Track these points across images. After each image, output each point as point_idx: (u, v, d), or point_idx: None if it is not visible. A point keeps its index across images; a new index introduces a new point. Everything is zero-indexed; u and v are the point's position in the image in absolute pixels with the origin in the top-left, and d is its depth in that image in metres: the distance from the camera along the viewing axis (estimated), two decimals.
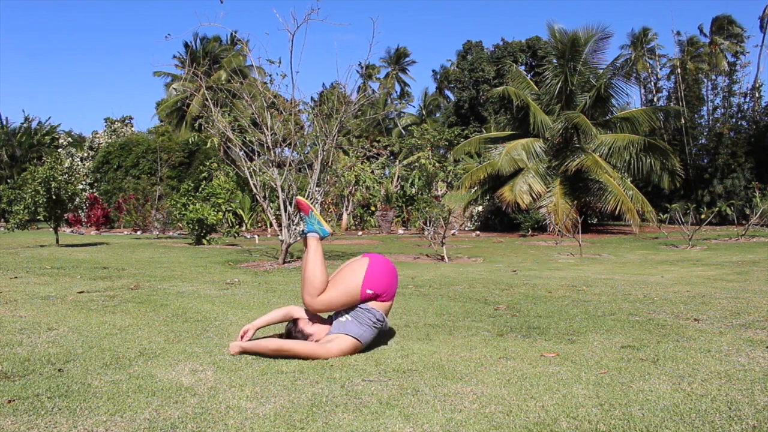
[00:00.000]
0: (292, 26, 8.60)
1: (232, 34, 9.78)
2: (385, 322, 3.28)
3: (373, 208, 23.29)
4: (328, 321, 3.34)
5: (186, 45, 35.18)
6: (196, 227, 12.75)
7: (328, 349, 3.05)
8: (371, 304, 3.21)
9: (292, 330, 3.24)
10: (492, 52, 30.95)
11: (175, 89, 35.23)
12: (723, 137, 22.03)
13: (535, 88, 20.85)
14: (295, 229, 8.78)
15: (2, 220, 25.55)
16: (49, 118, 44.05)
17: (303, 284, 3.27)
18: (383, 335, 3.56)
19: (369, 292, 3.18)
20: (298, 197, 3.53)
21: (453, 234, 17.39)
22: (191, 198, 13.47)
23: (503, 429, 2.08)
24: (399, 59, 48.84)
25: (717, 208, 15.12)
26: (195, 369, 2.83)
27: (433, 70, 46.42)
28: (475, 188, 20.61)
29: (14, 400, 2.35)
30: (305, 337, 3.20)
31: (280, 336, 3.30)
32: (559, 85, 19.12)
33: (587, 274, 7.08)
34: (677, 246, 12.03)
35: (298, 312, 3.34)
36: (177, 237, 16.23)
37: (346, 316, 3.21)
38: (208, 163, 20.71)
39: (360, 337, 3.13)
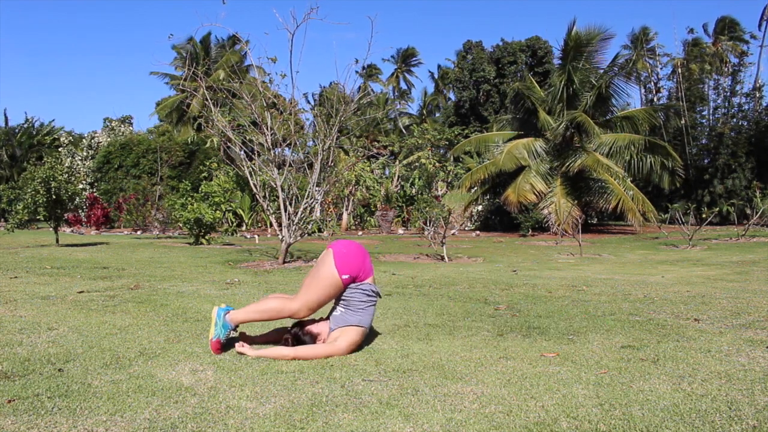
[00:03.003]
0: (292, 26, 8.60)
1: (233, 35, 9.78)
2: (377, 290, 3.31)
3: (373, 208, 23.30)
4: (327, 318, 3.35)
5: (176, 47, 34.83)
6: (195, 227, 12.75)
7: (339, 347, 3.09)
8: (356, 284, 3.24)
9: (299, 334, 3.23)
10: (492, 52, 30.94)
11: (175, 89, 35.21)
12: (723, 137, 22.04)
13: (538, 88, 20.87)
14: (296, 229, 8.78)
15: (2, 220, 25.56)
16: (53, 120, 44.02)
17: (280, 317, 3.34)
18: (384, 336, 3.56)
19: (346, 277, 3.19)
20: (215, 350, 3.17)
21: (453, 234, 17.39)
22: (189, 198, 13.46)
23: (503, 429, 2.08)
24: (406, 59, 49.05)
25: (717, 208, 15.13)
26: (195, 369, 2.83)
27: (429, 71, 46.67)
28: (476, 188, 20.62)
29: (14, 400, 2.35)
30: (314, 338, 3.21)
31: (289, 338, 3.27)
32: (562, 85, 19.13)
33: (587, 274, 7.08)
34: (677, 246, 12.03)
35: (288, 307, 3.28)
36: (177, 237, 16.22)
37: (338, 308, 3.25)
38: (208, 163, 20.71)
39: (360, 323, 3.18)
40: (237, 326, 3.28)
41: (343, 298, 3.24)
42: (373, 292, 3.26)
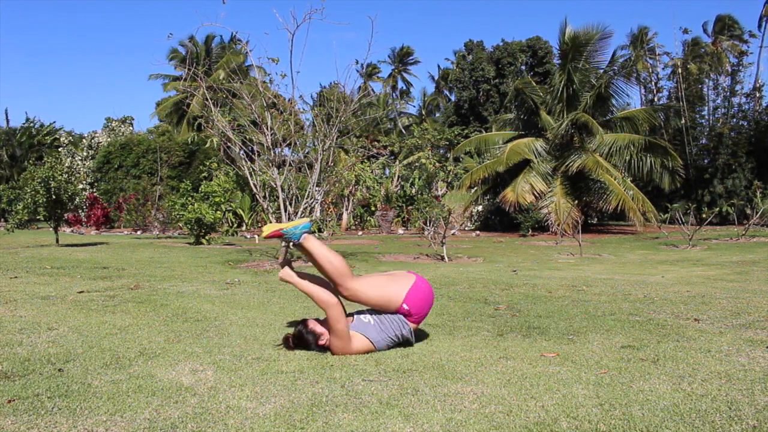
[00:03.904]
0: (292, 26, 8.60)
1: (232, 34, 9.78)
2: (410, 339, 3.29)
3: (373, 208, 23.30)
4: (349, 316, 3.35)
5: (175, 50, 34.84)
6: (195, 227, 12.75)
7: (349, 343, 3.13)
8: (404, 318, 3.26)
9: (302, 331, 3.23)
10: (492, 52, 30.96)
11: (176, 89, 35.20)
12: (723, 137, 22.05)
13: (537, 88, 20.89)
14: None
15: (2, 220, 25.56)
16: (54, 122, 43.92)
17: (331, 277, 3.25)
18: None
19: (405, 308, 3.23)
20: (266, 234, 3.32)
21: (453, 234, 17.39)
22: (189, 198, 13.46)
23: (503, 429, 2.08)
24: (403, 58, 48.98)
25: (718, 208, 15.11)
26: (195, 369, 2.83)
27: (429, 72, 46.69)
28: (476, 188, 20.62)
29: (14, 400, 2.35)
30: (316, 336, 3.20)
31: (289, 337, 3.27)
32: (562, 85, 19.14)
33: (587, 274, 7.08)
34: (677, 246, 12.03)
35: (345, 279, 3.25)
36: (177, 237, 16.23)
37: (369, 316, 3.26)
38: (208, 163, 20.71)
39: (376, 343, 3.20)
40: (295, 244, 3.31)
41: (385, 315, 3.27)
42: (404, 336, 3.26)
